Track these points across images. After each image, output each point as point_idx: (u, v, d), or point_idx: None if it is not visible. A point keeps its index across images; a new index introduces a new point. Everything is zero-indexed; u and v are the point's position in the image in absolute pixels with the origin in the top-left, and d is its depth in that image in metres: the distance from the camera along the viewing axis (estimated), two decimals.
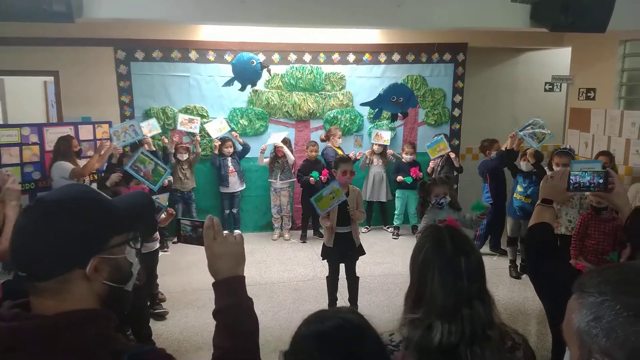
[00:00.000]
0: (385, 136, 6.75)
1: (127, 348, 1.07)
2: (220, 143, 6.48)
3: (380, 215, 7.20)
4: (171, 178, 6.34)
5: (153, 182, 4.59)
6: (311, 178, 6.37)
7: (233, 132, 6.59)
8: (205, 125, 6.52)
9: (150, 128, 6.11)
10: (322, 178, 6.35)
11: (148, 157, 4.68)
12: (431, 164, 6.58)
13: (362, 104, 6.22)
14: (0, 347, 0.97)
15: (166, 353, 1.13)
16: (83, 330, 1.02)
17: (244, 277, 1.31)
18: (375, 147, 6.83)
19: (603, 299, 0.85)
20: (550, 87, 8.05)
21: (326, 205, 4.16)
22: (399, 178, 6.72)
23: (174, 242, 6.39)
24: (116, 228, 1.12)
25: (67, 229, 1.03)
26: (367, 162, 6.86)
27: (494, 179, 6.01)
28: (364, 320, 1.17)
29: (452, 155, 6.53)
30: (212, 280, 1.30)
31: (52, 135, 5.83)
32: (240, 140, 6.59)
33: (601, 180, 1.78)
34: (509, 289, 5.14)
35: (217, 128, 6.40)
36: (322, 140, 6.77)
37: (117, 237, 1.11)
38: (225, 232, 1.33)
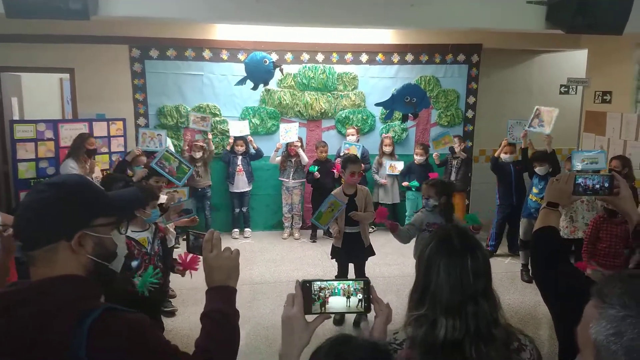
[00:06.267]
0: (399, 166, 6.78)
1: (96, 308, 1.16)
2: (234, 141, 6.52)
3: (391, 216, 7.15)
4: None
5: (177, 178, 4.95)
6: (315, 173, 6.39)
7: (249, 137, 6.61)
8: (229, 121, 6.65)
9: (241, 128, 6.47)
10: (335, 173, 6.32)
11: (172, 155, 5.02)
12: (434, 156, 6.56)
13: (377, 104, 6.19)
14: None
15: (136, 317, 1.19)
16: (57, 292, 1.15)
17: (234, 289, 1.39)
18: (386, 149, 6.82)
19: (625, 314, 0.81)
20: (566, 89, 7.95)
21: (327, 219, 4.25)
22: (405, 184, 6.65)
23: (183, 239, 6.43)
24: (102, 210, 1.26)
25: (54, 206, 1.19)
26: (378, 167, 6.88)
27: (500, 180, 5.98)
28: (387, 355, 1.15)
29: (456, 146, 6.50)
30: None
31: (66, 132, 5.91)
32: (255, 145, 6.61)
33: (607, 184, 1.76)
34: (520, 293, 5.09)
35: (238, 128, 6.52)
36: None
37: (102, 218, 1.25)
38: (226, 246, 1.41)
